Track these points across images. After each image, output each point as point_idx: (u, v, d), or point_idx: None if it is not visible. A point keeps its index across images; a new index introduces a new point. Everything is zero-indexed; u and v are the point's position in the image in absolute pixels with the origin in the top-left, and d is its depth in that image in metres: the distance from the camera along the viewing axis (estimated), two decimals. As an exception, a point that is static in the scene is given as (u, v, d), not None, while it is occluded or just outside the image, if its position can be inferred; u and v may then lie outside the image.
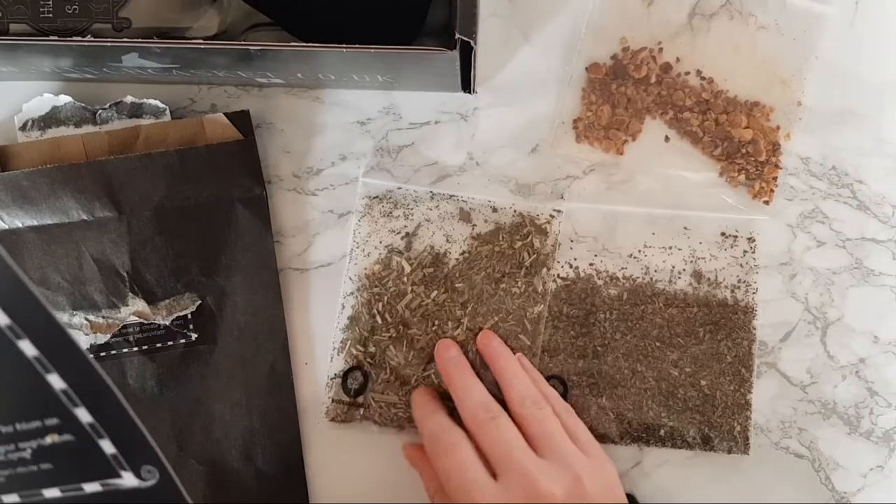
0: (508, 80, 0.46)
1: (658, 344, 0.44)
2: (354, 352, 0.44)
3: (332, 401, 0.44)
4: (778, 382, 0.44)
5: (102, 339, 0.43)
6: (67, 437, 0.26)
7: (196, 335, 0.44)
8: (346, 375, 0.44)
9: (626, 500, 0.40)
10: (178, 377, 0.44)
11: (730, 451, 0.43)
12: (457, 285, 0.44)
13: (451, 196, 0.45)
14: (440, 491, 0.40)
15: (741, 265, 0.44)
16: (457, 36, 0.35)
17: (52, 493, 0.27)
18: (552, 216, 0.45)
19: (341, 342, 0.45)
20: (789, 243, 0.45)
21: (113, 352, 0.44)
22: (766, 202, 0.45)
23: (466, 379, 0.42)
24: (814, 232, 0.45)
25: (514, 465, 0.37)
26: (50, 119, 0.44)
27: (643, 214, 0.45)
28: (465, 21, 0.35)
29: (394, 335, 0.44)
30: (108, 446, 0.26)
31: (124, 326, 0.44)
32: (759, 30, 0.45)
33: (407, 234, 0.45)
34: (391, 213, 0.45)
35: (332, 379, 0.44)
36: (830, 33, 0.45)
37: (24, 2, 0.42)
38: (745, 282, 0.44)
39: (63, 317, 0.43)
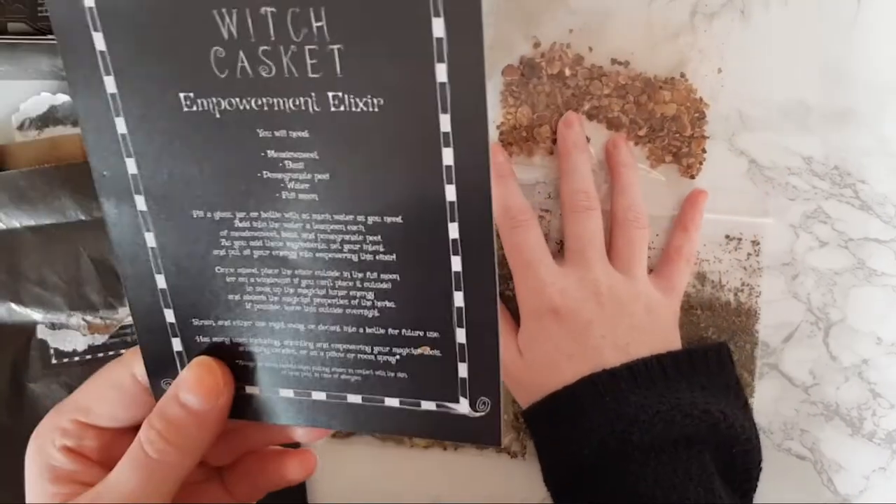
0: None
1: (660, 345, 0.44)
2: None
3: None
4: (780, 383, 0.44)
5: (100, 339, 0.43)
6: (436, 352, 0.27)
7: (195, 336, 0.44)
8: None
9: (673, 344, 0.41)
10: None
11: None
12: None
13: None
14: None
15: (745, 268, 0.44)
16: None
17: (392, 402, 0.27)
18: (541, 217, 0.44)
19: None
20: (791, 243, 0.45)
21: (111, 352, 0.43)
22: (693, 177, 0.45)
23: (580, 159, 0.42)
24: (816, 232, 0.45)
25: (584, 263, 0.39)
26: (47, 118, 0.44)
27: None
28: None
29: None
30: (463, 370, 0.27)
31: (122, 327, 0.43)
32: (669, 2, 0.45)
33: None
34: None
35: None
36: (832, 33, 0.45)
37: (22, 1, 0.41)
38: (748, 285, 0.44)
39: (60, 317, 0.43)
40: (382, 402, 0.27)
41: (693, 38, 0.46)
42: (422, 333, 0.26)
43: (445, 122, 0.23)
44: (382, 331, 0.27)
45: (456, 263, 0.25)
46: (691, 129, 0.45)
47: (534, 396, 0.39)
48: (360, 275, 0.26)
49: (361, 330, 0.27)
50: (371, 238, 0.25)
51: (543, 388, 0.38)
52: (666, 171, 0.45)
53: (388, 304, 0.26)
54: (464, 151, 0.24)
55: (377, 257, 0.26)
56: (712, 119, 0.45)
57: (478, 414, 0.27)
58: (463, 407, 0.27)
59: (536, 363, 0.39)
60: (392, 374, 0.27)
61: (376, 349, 0.27)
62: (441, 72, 0.23)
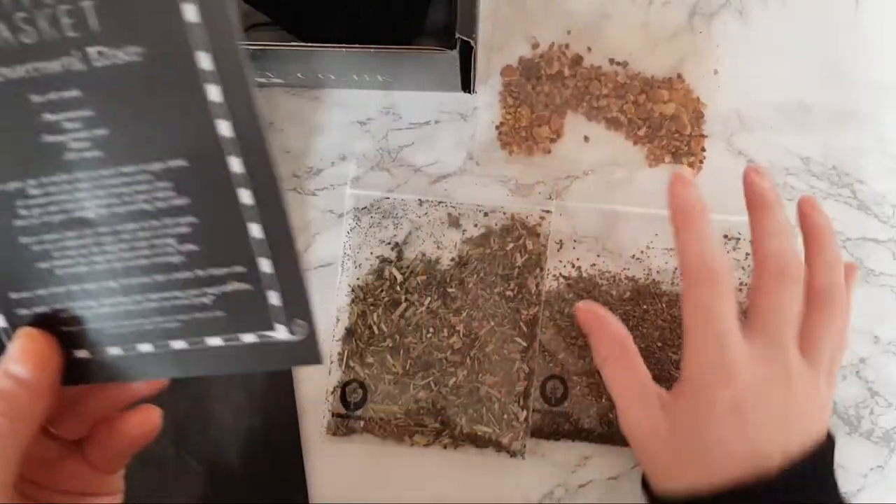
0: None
1: (660, 345, 0.44)
2: (352, 364, 0.44)
3: (333, 415, 0.44)
4: (778, 382, 0.44)
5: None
6: (246, 285, 0.27)
7: (196, 336, 0.44)
8: (344, 388, 0.44)
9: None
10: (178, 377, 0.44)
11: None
12: (449, 291, 0.44)
13: (440, 202, 0.45)
14: (611, 359, 0.37)
15: (743, 268, 0.44)
16: (457, 36, 0.35)
17: (215, 341, 0.28)
18: (542, 217, 0.45)
19: (338, 354, 0.44)
20: (790, 243, 0.45)
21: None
22: (694, 175, 0.45)
23: (781, 216, 0.36)
24: (814, 232, 0.45)
25: (779, 345, 0.34)
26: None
27: (645, 215, 0.45)
28: (465, 21, 0.35)
29: (390, 345, 0.44)
30: (274, 298, 0.27)
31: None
32: (664, 5, 0.45)
33: (397, 243, 0.45)
34: (380, 223, 0.45)
35: (330, 392, 0.44)
36: (831, 33, 0.46)
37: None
38: (746, 284, 0.44)
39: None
40: (206, 342, 0.28)
41: (691, 39, 0.46)
42: (229, 270, 0.27)
43: (205, 60, 0.24)
44: (191, 273, 0.27)
45: (246, 196, 0.26)
46: (691, 128, 0.45)
47: (673, 477, 0.34)
48: (158, 222, 0.27)
49: (171, 276, 0.27)
50: (160, 185, 0.26)
51: (688, 475, 0.34)
52: (667, 171, 0.45)
53: (191, 246, 0.27)
54: (229, 87, 0.25)
55: (171, 202, 0.26)
56: (710, 119, 0.45)
57: (296, 337, 0.28)
58: (281, 333, 0.28)
59: (689, 446, 0.34)
60: (210, 315, 0.28)
61: (189, 292, 0.28)
62: (190, 12, 0.24)
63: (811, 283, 0.36)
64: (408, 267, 0.45)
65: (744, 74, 0.46)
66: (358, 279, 0.45)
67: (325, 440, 0.44)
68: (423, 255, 0.45)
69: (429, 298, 0.44)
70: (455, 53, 0.36)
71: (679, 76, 0.45)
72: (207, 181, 0.26)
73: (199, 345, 0.28)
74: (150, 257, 0.27)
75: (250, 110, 0.25)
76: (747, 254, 0.44)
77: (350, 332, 0.44)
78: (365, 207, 0.45)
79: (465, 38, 0.35)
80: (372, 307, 0.44)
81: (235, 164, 0.26)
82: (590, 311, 0.38)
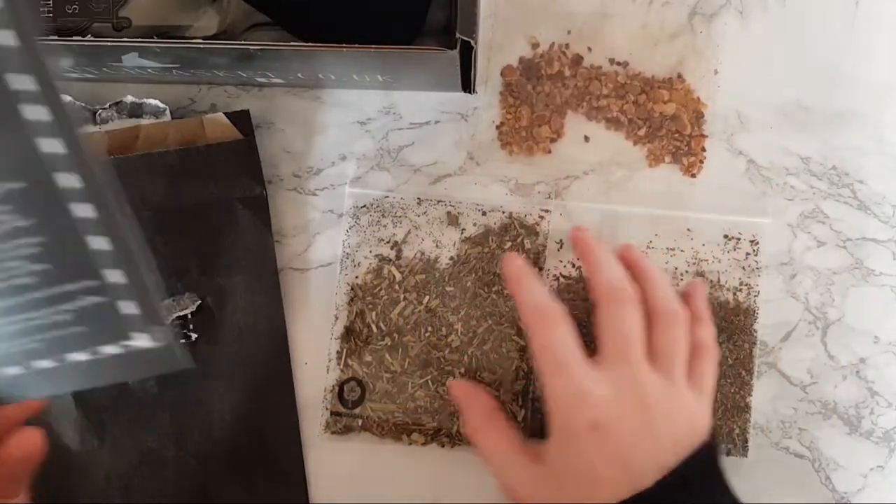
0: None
1: (658, 344, 0.44)
2: (350, 362, 0.44)
3: (331, 413, 0.44)
4: (778, 382, 0.44)
5: (102, 339, 0.43)
6: (99, 298, 0.27)
7: (196, 335, 0.44)
8: (342, 387, 0.44)
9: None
10: (178, 377, 0.44)
11: (728, 454, 0.43)
12: (448, 290, 0.44)
13: (439, 201, 0.45)
14: (480, 429, 0.38)
15: (743, 268, 0.44)
16: (457, 36, 0.35)
17: (80, 356, 0.28)
18: (541, 216, 0.45)
19: (337, 353, 0.44)
20: (790, 243, 0.45)
21: (113, 352, 0.44)
22: (694, 175, 0.45)
23: (606, 254, 0.39)
24: (814, 232, 0.45)
25: (626, 366, 0.35)
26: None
27: (645, 215, 0.45)
28: (465, 21, 0.35)
29: (389, 344, 0.44)
30: (130, 307, 0.28)
31: None
32: (664, 5, 0.45)
33: (396, 242, 0.45)
34: (379, 221, 0.45)
35: (329, 391, 0.44)
36: (831, 33, 0.46)
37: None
38: (746, 284, 0.44)
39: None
40: (70, 358, 0.28)
41: (691, 39, 0.46)
42: (81, 284, 0.27)
43: (18, 81, 0.24)
44: (45, 292, 0.27)
45: (81, 210, 0.26)
46: (691, 128, 0.45)
47: None
48: (6, 245, 0.27)
49: (27, 297, 0.27)
50: (3, 208, 0.26)
51: None
52: (666, 171, 0.45)
53: (41, 266, 0.27)
54: (50, 108, 0.25)
55: (15, 224, 0.26)
56: (710, 119, 0.45)
57: (158, 344, 0.28)
58: (142, 340, 0.28)
59: (565, 481, 0.35)
60: (70, 331, 0.28)
61: (46, 311, 0.28)
62: (4, 36, 0.24)
63: (647, 305, 0.38)
64: (406, 266, 0.45)
65: (744, 74, 0.46)
66: (357, 278, 0.45)
67: (324, 439, 0.44)
68: (422, 253, 0.45)
69: (427, 297, 0.44)
70: (455, 53, 0.36)
71: (679, 76, 0.45)
72: (49, 199, 0.26)
73: (65, 362, 0.28)
74: (5, 280, 0.27)
75: (67, 124, 0.25)
76: (747, 254, 0.44)
77: (349, 331, 0.44)
78: (364, 206, 0.45)
79: (465, 38, 0.35)
80: (370, 306, 0.44)
81: (68, 179, 0.26)
82: (461, 387, 0.41)
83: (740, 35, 0.46)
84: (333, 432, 0.44)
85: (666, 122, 0.45)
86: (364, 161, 0.46)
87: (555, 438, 0.36)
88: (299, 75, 0.43)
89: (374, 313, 0.44)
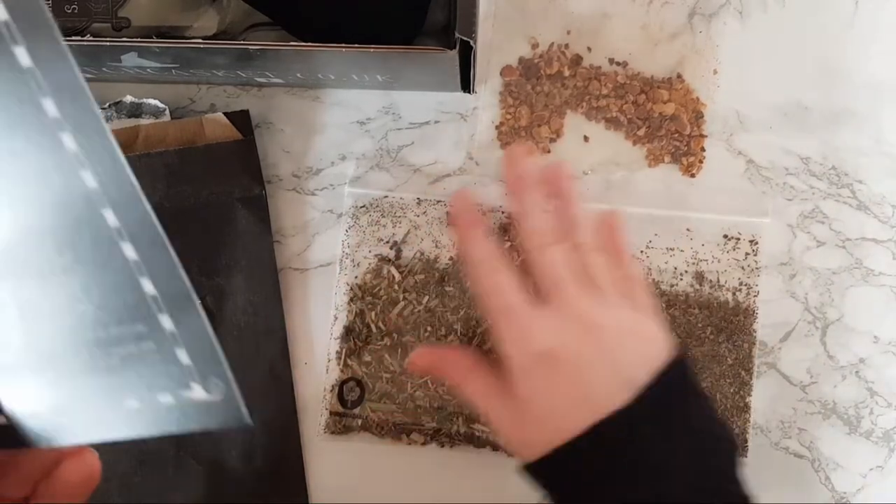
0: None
1: (658, 344, 0.44)
2: (350, 362, 0.44)
3: (331, 413, 0.44)
4: (778, 382, 0.44)
5: (102, 339, 0.43)
6: (150, 344, 0.26)
7: (196, 335, 0.44)
8: (342, 387, 0.44)
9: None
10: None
11: (729, 453, 0.43)
12: (447, 290, 0.44)
13: (438, 201, 0.45)
14: (465, 380, 0.38)
15: (743, 268, 0.44)
16: (456, 36, 0.35)
17: (132, 403, 0.27)
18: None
19: (336, 353, 0.44)
20: (789, 243, 0.45)
21: (112, 352, 0.43)
22: (693, 175, 0.45)
23: (532, 196, 0.38)
24: (814, 232, 0.45)
25: (565, 297, 0.36)
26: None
27: (644, 215, 0.45)
28: (464, 21, 0.35)
29: (388, 344, 0.44)
30: (183, 356, 0.26)
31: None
32: (664, 5, 0.45)
33: (395, 242, 0.45)
34: (378, 221, 0.45)
35: (328, 391, 0.44)
36: (830, 33, 0.46)
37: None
38: (746, 284, 0.44)
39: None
40: (123, 404, 0.27)
41: (691, 39, 0.46)
42: (129, 328, 0.26)
43: (51, 107, 0.23)
44: (91, 335, 0.26)
45: (129, 250, 0.25)
46: (690, 128, 0.45)
47: (536, 446, 0.35)
48: (52, 282, 0.26)
49: (71, 339, 0.26)
50: (49, 244, 0.25)
51: (552, 443, 0.34)
52: (666, 171, 0.45)
53: (90, 307, 0.26)
54: (82, 134, 0.23)
55: (61, 261, 0.25)
56: (710, 119, 0.45)
57: (213, 397, 0.27)
58: (197, 393, 0.27)
59: (537, 417, 0.35)
60: (121, 376, 0.27)
61: (94, 354, 0.26)
62: (21, 54, 0.22)
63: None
64: (406, 266, 0.45)
65: (744, 74, 0.46)
66: (356, 278, 0.45)
67: (323, 438, 0.44)
68: (422, 253, 0.45)
69: (427, 297, 0.44)
70: (455, 53, 0.36)
71: (679, 76, 0.45)
72: (89, 237, 0.25)
73: (117, 408, 0.27)
74: (49, 320, 0.26)
75: (110, 157, 0.24)
76: (747, 254, 0.44)
77: (348, 331, 0.44)
78: (363, 206, 0.45)
79: (465, 38, 0.35)
80: (370, 306, 0.44)
81: (110, 217, 0.24)
82: (426, 354, 0.39)
83: (740, 35, 0.46)
84: (333, 432, 0.44)
85: (665, 122, 0.45)
86: (363, 161, 0.46)
87: (516, 382, 0.36)
88: (298, 75, 0.43)
89: (373, 313, 0.44)
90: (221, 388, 0.27)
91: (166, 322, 0.26)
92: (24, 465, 0.31)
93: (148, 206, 0.24)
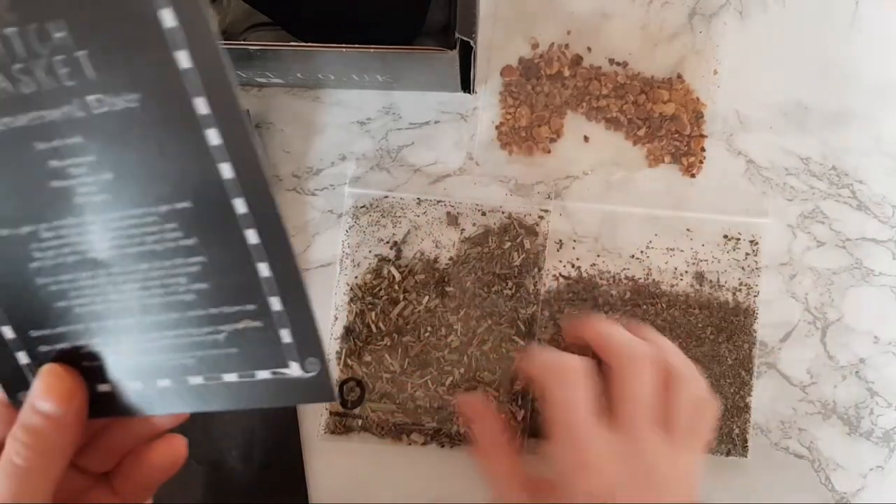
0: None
1: (658, 344, 0.44)
2: (350, 362, 0.44)
3: (331, 413, 0.44)
4: (778, 383, 0.44)
5: None
6: (258, 323, 0.28)
7: (196, 335, 0.44)
8: (342, 387, 0.44)
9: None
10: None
11: (728, 454, 0.43)
12: (448, 290, 0.44)
13: (438, 201, 0.45)
14: (492, 455, 0.38)
15: (743, 268, 0.44)
16: (457, 36, 0.35)
17: (231, 377, 0.29)
18: (541, 216, 0.45)
19: (336, 353, 0.44)
20: (789, 243, 0.45)
21: None
22: (693, 175, 0.45)
23: (612, 327, 0.37)
24: (814, 232, 0.45)
25: (633, 426, 0.35)
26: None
27: (644, 215, 0.45)
28: (464, 21, 0.35)
29: (388, 344, 0.44)
30: (286, 336, 0.28)
31: None
32: (664, 5, 0.45)
33: (396, 242, 0.45)
34: (379, 221, 0.45)
35: None
36: (830, 34, 0.46)
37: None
38: (746, 284, 0.44)
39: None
40: (222, 378, 0.29)
41: (691, 39, 0.46)
42: (240, 308, 0.28)
43: (202, 105, 0.25)
44: (203, 311, 0.28)
45: (252, 236, 0.27)
46: (691, 128, 0.45)
47: None
48: (168, 262, 0.28)
49: (184, 314, 0.28)
50: (168, 226, 0.27)
51: None
52: (666, 171, 0.45)
53: (201, 285, 0.28)
54: (227, 129, 0.25)
55: (179, 243, 0.27)
56: (710, 119, 0.45)
57: (309, 374, 0.29)
58: (294, 370, 0.29)
59: None
60: (224, 351, 0.29)
61: (203, 329, 0.28)
62: (183, 59, 0.24)
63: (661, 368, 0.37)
64: (406, 266, 0.45)
65: (744, 74, 0.46)
66: (356, 278, 0.45)
67: (323, 438, 0.44)
68: (422, 253, 0.45)
69: (427, 297, 0.44)
70: (455, 53, 0.36)
71: (679, 76, 0.45)
72: (214, 222, 0.27)
73: (216, 381, 0.29)
74: (163, 296, 0.28)
75: (249, 152, 0.25)
76: (747, 254, 0.44)
77: (348, 331, 0.44)
78: (364, 206, 0.45)
79: (465, 38, 0.35)
80: (370, 306, 0.44)
81: (240, 205, 0.26)
82: (470, 405, 0.39)
83: (740, 35, 0.46)
84: (333, 432, 0.44)
85: (665, 122, 0.45)
86: (364, 161, 0.46)
87: (555, 493, 0.35)
88: (298, 75, 0.43)
89: (373, 313, 0.44)
90: (316, 367, 0.29)
91: (276, 304, 0.28)
92: (115, 438, 0.32)
93: (276, 197, 0.26)
